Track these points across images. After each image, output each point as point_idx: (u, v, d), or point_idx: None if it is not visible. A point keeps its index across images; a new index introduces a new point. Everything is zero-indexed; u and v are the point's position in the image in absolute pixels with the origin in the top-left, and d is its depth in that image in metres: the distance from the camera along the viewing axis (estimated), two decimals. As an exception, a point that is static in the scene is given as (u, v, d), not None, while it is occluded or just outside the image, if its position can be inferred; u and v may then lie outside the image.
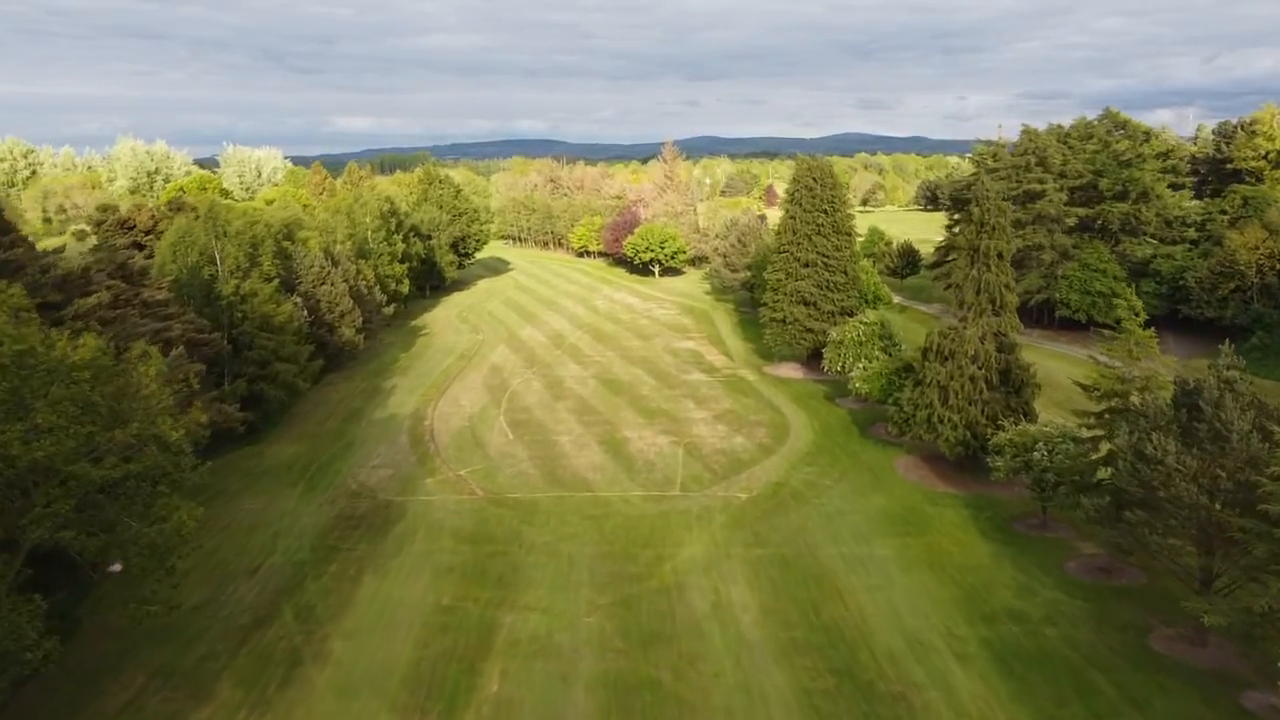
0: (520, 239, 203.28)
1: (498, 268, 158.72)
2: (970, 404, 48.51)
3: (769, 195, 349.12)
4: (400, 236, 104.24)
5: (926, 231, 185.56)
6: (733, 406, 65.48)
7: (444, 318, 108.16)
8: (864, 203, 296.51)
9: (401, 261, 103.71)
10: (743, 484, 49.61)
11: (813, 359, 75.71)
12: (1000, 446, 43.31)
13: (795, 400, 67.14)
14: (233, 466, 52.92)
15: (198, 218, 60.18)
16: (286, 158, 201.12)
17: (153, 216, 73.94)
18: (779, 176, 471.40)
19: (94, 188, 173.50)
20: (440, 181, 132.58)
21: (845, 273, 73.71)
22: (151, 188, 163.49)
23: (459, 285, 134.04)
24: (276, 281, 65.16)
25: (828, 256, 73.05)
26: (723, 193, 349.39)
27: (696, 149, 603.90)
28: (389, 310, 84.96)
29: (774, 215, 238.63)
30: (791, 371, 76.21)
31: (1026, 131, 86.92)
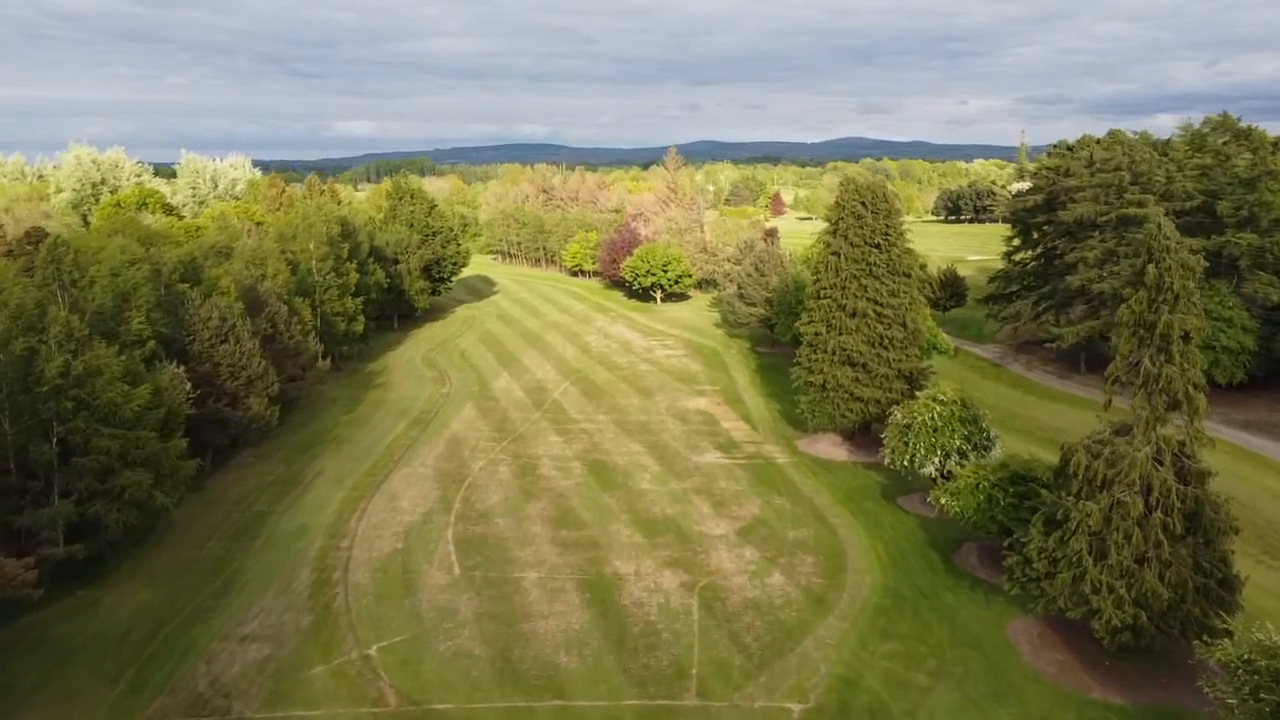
0: (510, 255, 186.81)
1: (481, 290, 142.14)
2: (1140, 563, 31.78)
3: (775, 204, 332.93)
4: (354, 265, 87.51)
5: (955, 247, 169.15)
6: (763, 513, 48.66)
7: (407, 360, 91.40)
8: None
9: (356, 295, 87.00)
10: (792, 679, 32.75)
11: (859, 431, 59.25)
12: (1228, 665, 26.56)
13: (845, 500, 50.37)
14: (39, 636, 36.07)
15: (27, 268, 43.49)
16: (256, 165, 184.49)
17: (9, 250, 57.39)
18: (784, 183, 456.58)
19: (42, 199, 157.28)
20: (412, 196, 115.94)
21: (904, 325, 57.04)
22: (97, 201, 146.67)
23: (433, 314, 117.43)
24: (149, 344, 48.54)
25: (881, 304, 56.40)
26: (727, 201, 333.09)
27: (698, 153, 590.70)
28: (324, 365, 68.31)
29: (783, 225, 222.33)
30: (832, 448, 59.48)
31: (1116, 140, 70.26)
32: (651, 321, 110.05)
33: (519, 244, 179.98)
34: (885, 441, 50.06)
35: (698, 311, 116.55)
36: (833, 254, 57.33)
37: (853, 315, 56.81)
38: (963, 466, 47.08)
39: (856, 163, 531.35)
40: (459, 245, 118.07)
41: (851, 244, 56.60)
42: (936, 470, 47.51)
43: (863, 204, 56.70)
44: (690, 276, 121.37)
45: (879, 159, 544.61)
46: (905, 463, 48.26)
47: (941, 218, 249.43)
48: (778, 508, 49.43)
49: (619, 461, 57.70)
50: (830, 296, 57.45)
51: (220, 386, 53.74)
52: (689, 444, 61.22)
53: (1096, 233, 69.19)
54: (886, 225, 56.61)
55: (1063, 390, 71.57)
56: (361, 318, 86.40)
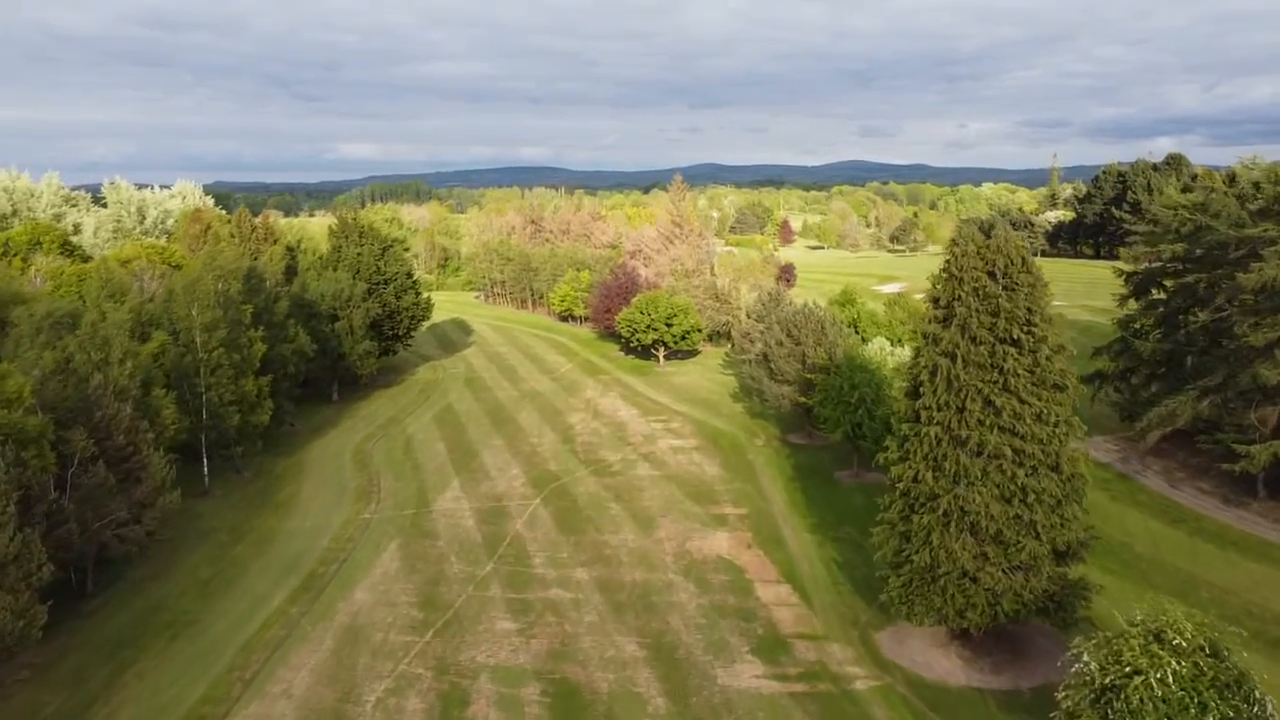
0: (494, 294, 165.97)
1: (453, 340, 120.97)
2: None
3: (784, 232, 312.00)
4: (260, 332, 66.23)
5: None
6: (854, 847, 26.97)
7: (333, 454, 69.90)
8: (893, 240, 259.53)
9: (263, 373, 65.75)
10: None
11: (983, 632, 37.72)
12: None
13: (991, 804, 28.69)
14: None
15: None
16: (211, 191, 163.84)
17: None
18: (790, 208, 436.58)
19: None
20: (360, 235, 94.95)
21: (1057, 468, 35.63)
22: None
23: (388, 376, 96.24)
24: None
25: (1022, 436, 34.95)
26: (732, 229, 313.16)
27: (699, 176, 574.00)
28: (173, 498, 46.88)
29: (794, 256, 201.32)
30: (934, 652, 37.97)
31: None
32: (653, 391, 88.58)
33: (503, 282, 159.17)
34: (1062, 705, 28.46)
35: (709, 373, 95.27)
36: (944, 354, 35.94)
37: (978, 454, 35.39)
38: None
39: (862, 186, 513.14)
40: (417, 295, 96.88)
41: (974, 340, 35.24)
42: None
43: (990, 274, 35.42)
44: (700, 330, 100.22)
45: (885, 183, 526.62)
46: (1114, 761, 26.59)
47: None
48: (878, 828, 27.71)
49: (602, 685, 36.03)
50: (939, 422, 36.01)
51: (-66, 584, 32.26)
52: (711, 639, 39.57)
53: (1292, 303, 47.89)
54: (1029, 309, 35.25)
55: (1243, 529, 49.72)
56: (269, 403, 64.98)
